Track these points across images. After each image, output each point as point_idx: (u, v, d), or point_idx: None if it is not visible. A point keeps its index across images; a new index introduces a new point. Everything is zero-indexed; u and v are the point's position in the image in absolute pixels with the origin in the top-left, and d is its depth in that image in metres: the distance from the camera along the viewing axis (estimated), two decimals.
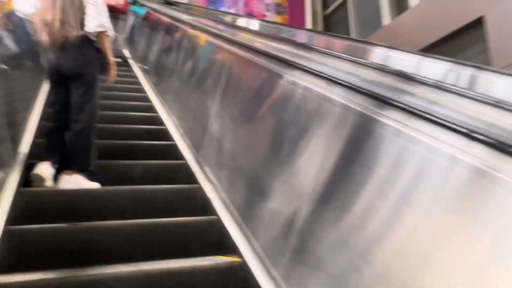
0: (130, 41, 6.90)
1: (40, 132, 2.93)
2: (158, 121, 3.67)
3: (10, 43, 2.80)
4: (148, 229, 1.94)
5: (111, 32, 2.42)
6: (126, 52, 6.70)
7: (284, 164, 1.62)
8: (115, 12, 5.92)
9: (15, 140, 2.40)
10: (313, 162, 1.41)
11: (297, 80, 1.64)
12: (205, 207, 2.24)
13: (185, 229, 1.94)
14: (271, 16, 6.90)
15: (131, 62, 6.22)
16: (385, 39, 3.86)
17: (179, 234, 1.91)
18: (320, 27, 6.55)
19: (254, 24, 2.57)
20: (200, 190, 2.31)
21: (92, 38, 2.38)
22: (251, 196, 1.86)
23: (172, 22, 4.20)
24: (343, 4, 6.12)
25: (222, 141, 2.33)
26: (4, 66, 2.37)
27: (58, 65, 2.41)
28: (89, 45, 2.40)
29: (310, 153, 1.47)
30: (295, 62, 1.69)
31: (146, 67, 5.48)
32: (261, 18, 6.60)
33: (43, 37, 2.35)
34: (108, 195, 2.23)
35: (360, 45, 1.67)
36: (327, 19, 6.58)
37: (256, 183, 1.82)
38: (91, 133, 2.38)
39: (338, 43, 1.85)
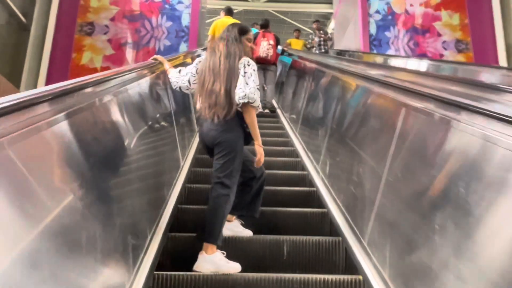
0: (277, 91, 7.03)
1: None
2: (308, 182, 3.35)
3: (168, 101, 3.03)
4: None
5: (257, 104, 2.25)
6: (274, 102, 6.82)
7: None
8: (265, 64, 6.10)
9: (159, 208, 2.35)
10: None
11: None
12: None
13: None
14: (451, 55, 6.08)
15: (279, 112, 6.24)
16: None
17: None
18: None
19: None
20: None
21: (238, 109, 2.28)
22: None
23: (329, 71, 3.92)
24: None
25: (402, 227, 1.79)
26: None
27: (203, 134, 2.37)
28: (234, 117, 2.27)
29: None
30: None
31: (293, 116, 5.37)
32: (439, 59, 5.89)
33: (204, 107, 2.33)
34: (250, 284, 1.91)
35: None
36: None
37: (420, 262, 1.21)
38: (223, 204, 2.21)
39: None
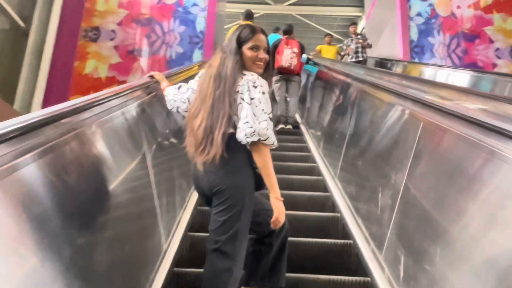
0: (302, 103, 6.37)
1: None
2: (341, 228, 2.68)
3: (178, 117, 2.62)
4: None
5: (271, 141, 1.64)
6: (297, 117, 6.16)
7: None
8: (288, 74, 5.46)
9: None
10: None
11: None
12: None
13: None
14: (505, 64, 5.27)
15: (303, 128, 5.58)
16: None
17: None
18: None
19: None
20: None
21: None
22: None
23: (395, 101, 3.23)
24: None
25: None
26: None
27: (197, 179, 1.76)
28: (239, 153, 1.68)
29: None
30: None
31: (318, 133, 4.72)
32: (492, 70, 5.11)
33: (190, 144, 1.76)
34: None
35: None
36: None
37: None
38: (221, 285, 1.59)
39: None
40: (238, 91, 1.67)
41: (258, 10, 11.54)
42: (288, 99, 5.73)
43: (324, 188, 3.41)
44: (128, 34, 5.42)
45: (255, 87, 1.66)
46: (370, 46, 6.64)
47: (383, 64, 5.53)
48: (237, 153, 1.67)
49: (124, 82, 5.21)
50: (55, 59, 5.03)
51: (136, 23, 5.49)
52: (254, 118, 1.61)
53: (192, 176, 1.84)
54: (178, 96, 2.01)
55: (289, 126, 5.59)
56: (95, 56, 5.27)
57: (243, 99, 1.65)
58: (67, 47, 5.15)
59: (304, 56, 5.54)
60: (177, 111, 2.03)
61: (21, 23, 4.82)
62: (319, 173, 3.76)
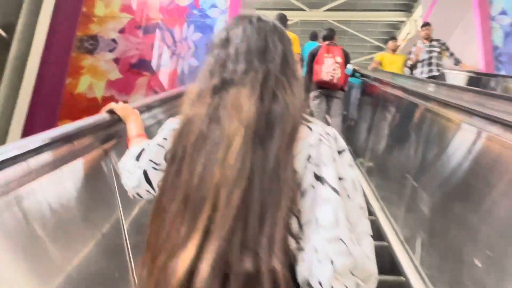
0: (345, 122, 5.25)
1: None
2: None
3: None
4: None
5: (373, 281, 0.61)
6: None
7: None
8: (329, 89, 4.36)
9: None
10: None
11: None
12: None
13: None
14: None
15: None
16: None
17: None
18: None
19: None
20: None
21: None
22: None
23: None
24: None
25: None
26: None
27: None
28: None
29: None
30: None
31: (370, 164, 3.57)
32: None
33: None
34: None
35: None
36: None
37: None
38: None
39: None
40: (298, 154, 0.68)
41: (292, 16, 10.56)
42: (329, 119, 4.63)
43: (397, 270, 2.25)
44: (132, 44, 4.49)
45: (341, 152, 0.73)
46: (457, 62, 4.70)
47: (482, 82, 4.18)
48: None
49: (124, 102, 4.25)
50: (42, 75, 4.14)
51: (142, 30, 4.55)
52: (347, 234, 0.63)
53: None
54: (139, 170, 0.94)
55: None
56: (90, 71, 4.36)
57: (319, 179, 0.66)
58: (57, 60, 4.26)
59: (350, 66, 4.42)
60: (138, 197, 0.96)
61: (3, 33, 3.98)
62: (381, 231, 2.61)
